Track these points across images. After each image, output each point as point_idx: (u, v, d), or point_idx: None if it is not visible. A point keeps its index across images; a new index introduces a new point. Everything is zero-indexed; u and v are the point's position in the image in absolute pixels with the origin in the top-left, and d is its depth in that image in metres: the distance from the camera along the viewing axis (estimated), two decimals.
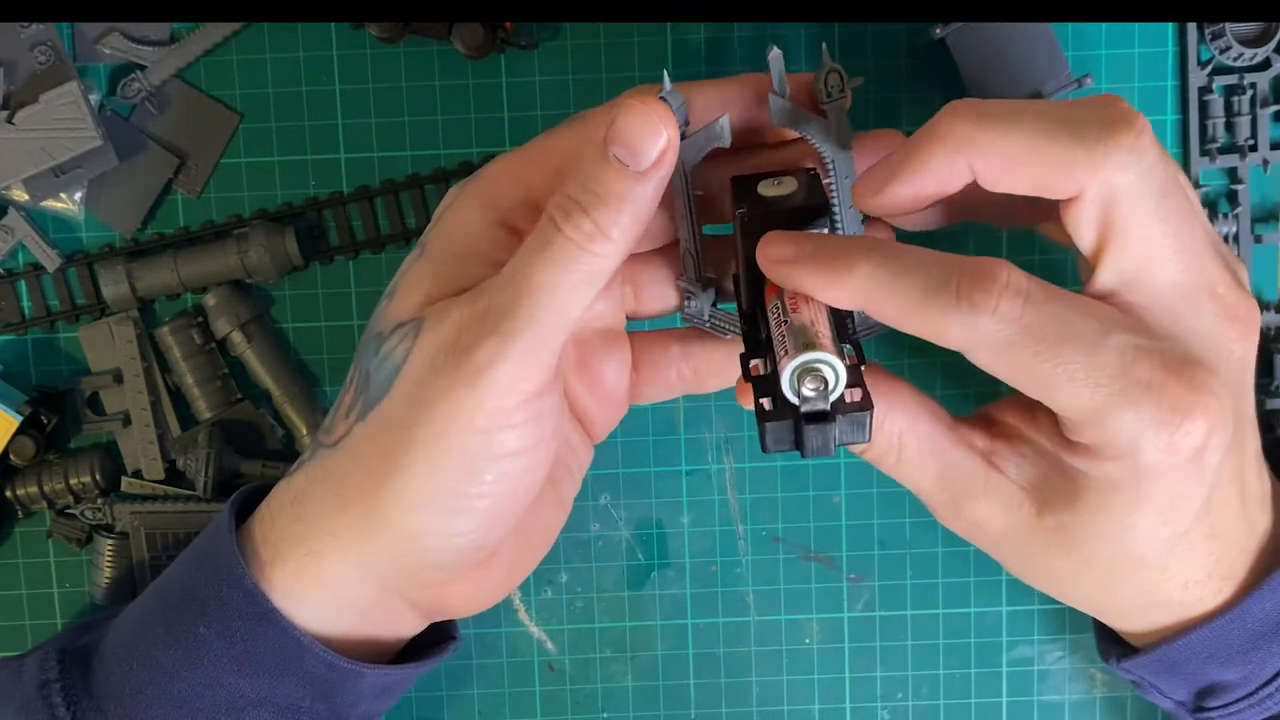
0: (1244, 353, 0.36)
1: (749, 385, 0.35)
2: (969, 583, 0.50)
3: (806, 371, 0.32)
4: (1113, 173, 0.33)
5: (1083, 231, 0.35)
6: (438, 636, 0.43)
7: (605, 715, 0.51)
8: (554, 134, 0.38)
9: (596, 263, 0.34)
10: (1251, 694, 0.39)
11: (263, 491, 0.42)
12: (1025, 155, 0.34)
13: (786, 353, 0.33)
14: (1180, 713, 0.42)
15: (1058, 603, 0.49)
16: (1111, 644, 0.43)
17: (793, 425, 0.33)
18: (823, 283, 0.34)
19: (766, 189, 0.36)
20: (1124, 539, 0.36)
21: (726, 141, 0.36)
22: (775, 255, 0.35)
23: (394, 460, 0.35)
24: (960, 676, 0.50)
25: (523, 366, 0.34)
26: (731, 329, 0.39)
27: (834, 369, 0.32)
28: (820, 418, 0.32)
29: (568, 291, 0.34)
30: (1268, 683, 0.39)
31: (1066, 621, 0.50)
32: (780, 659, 0.50)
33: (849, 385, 0.33)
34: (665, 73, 0.35)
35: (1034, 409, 0.37)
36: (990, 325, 0.32)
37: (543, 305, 0.33)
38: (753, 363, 0.36)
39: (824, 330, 0.33)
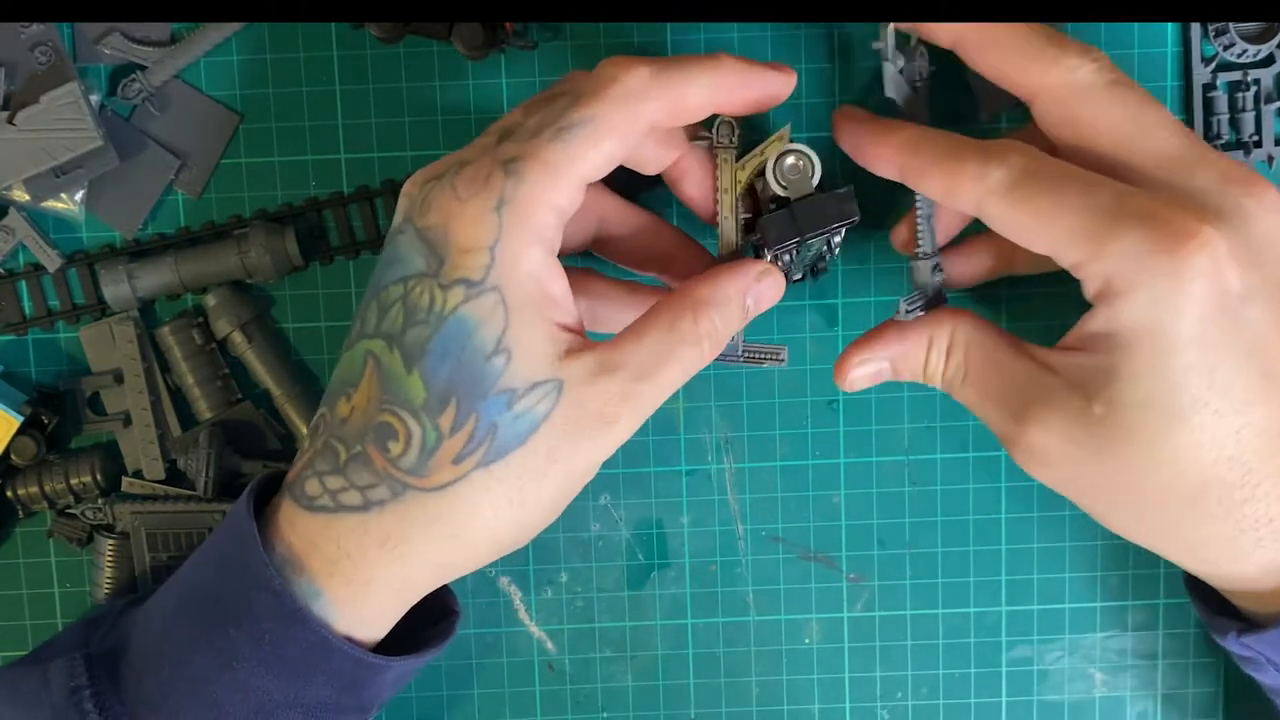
0: (1258, 210, 0.37)
1: (844, 364, 0.42)
2: (969, 583, 0.50)
3: (786, 154, 0.39)
4: (1062, 73, 0.39)
5: (1055, 130, 0.40)
6: (434, 607, 0.44)
7: (605, 715, 0.51)
8: (566, 140, 0.38)
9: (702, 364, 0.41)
10: None
11: (270, 481, 0.42)
12: (999, 41, 0.40)
13: (766, 161, 0.39)
14: None
15: (1058, 603, 0.50)
16: (1226, 619, 0.42)
17: (790, 216, 0.39)
18: (871, 146, 0.41)
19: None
20: (1169, 402, 0.36)
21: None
22: (846, 117, 0.42)
23: (531, 499, 0.39)
24: (960, 676, 0.50)
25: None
26: (766, 355, 0.43)
27: (808, 153, 0.39)
28: (809, 198, 0.39)
29: (683, 381, 0.40)
30: None
31: (1066, 622, 0.50)
32: (780, 659, 0.50)
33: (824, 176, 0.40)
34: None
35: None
36: (999, 172, 0.38)
37: (668, 391, 0.40)
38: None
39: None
